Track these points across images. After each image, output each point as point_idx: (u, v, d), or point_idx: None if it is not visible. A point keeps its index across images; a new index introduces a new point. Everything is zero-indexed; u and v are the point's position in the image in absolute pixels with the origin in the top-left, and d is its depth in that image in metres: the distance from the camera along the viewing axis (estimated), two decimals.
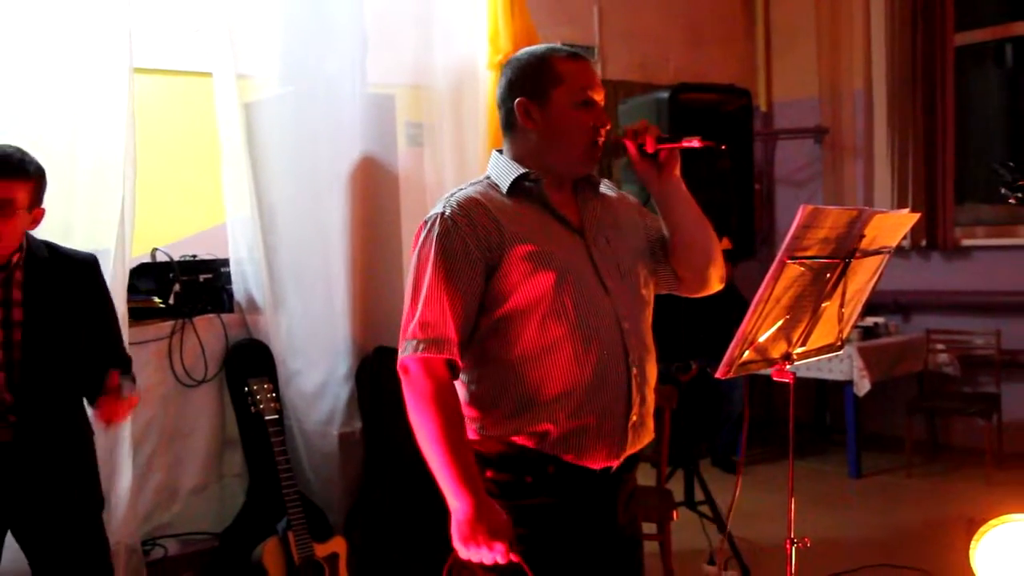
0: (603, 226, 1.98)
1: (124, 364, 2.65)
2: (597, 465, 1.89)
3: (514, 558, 1.79)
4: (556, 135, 1.93)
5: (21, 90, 3.05)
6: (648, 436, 2.00)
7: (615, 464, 1.93)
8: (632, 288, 1.96)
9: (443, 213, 1.86)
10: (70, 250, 2.62)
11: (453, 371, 1.85)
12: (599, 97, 1.95)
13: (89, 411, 2.59)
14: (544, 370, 1.85)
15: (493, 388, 1.88)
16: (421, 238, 1.87)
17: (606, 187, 2.07)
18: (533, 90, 1.93)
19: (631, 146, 1.96)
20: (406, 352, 1.82)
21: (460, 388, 1.91)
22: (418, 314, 1.82)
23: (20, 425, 2.44)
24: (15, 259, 2.47)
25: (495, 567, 1.81)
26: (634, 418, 1.91)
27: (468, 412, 1.91)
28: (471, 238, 1.83)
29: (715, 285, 2.08)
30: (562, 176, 1.97)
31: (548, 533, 1.89)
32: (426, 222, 1.89)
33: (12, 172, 2.36)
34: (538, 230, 1.89)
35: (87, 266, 2.59)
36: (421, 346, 1.80)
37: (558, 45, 2.07)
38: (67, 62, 3.09)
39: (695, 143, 1.93)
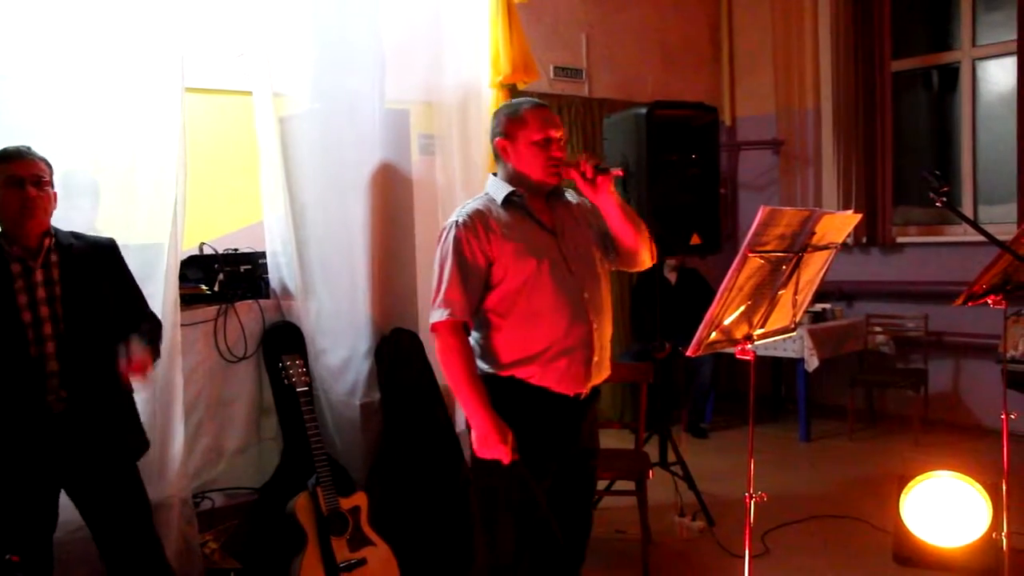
0: (568, 225, 2.39)
1: (150, 320, 2.69)
2: (569, 392, 2.32)
3: (515, 457, 2.21)
4: (522, 165, 2.34)
5: (90, 109, 3.05)
6: (606, 373, 2.41)
7: (583, 391, 2.35)
8: (589, 268, 2.37)
9: (457, 221, 2.30)
10: (92, 236, 2.69)
11: (467, 331, 2.29)
12: (556, 134, 2.32)
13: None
14: (530, 330, 2.28)
15: (495, 344, 2.31)
16: (443, 239, 2.31)
17: (570, 196, 2.46)
18: (506, 133, 2.36)
19: (575, 173, 2.29)
20: (434, 318, 2.27)
21: (473, 344, 2.33)
22: (443, 292, 2.27)
23: (71, 399, 2.46)
24: (47, 243, 2.51)
25: (506, 472, 2.22)
26: (595, 358, 2.32)
27: (479, 361, 2.32)
28: (475, 240, 2.27)
29: (645, 263, 2.46)
30: (536, 189, 2.35)
31: (531, 441, 2.27)
32: (446, 227, 2.32)
33: (30, 154, 2.48)
34: (523, 231, 2.31)
35: (108, 248, 2.67)
36: (445, 313, 2.25)
37: (528, 99, 2.42)
38: (128, 83, 3.10)
39: (619, 173, 2.34)
